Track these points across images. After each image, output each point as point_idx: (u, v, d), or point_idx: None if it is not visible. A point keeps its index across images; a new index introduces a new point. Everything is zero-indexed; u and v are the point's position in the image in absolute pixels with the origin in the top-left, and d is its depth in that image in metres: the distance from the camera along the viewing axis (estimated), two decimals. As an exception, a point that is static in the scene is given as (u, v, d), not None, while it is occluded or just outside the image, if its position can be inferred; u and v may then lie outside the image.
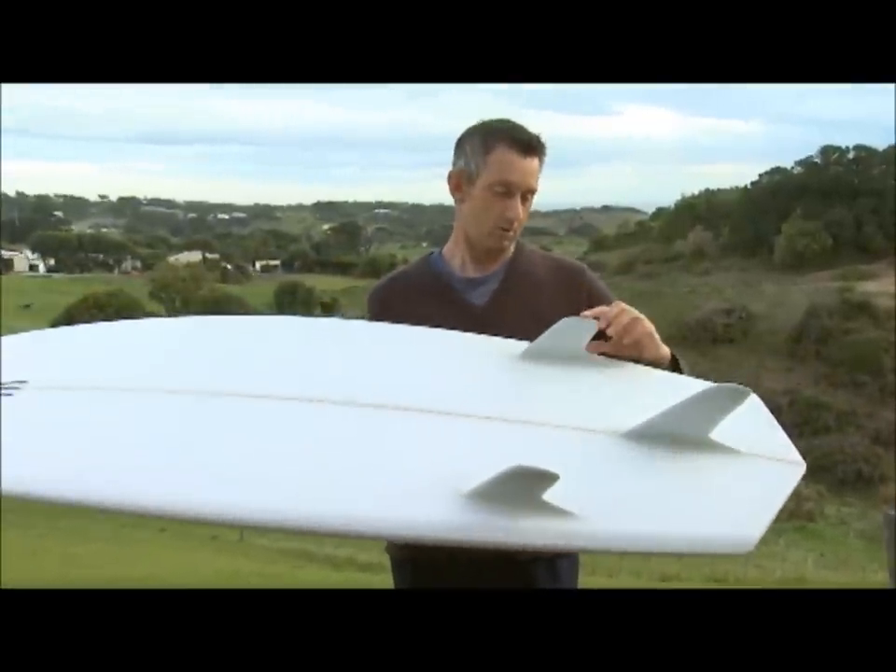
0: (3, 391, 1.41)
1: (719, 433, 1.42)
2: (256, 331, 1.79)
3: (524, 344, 1.67)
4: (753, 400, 1.62)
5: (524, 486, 1.19)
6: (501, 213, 1.74)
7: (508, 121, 1.77)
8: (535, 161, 1.74)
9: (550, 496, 1.21)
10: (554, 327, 1.63)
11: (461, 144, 1.78)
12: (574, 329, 1.63)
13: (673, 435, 1.39)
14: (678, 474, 1.36)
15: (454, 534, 1.20)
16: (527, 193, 1.75)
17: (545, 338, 1.64)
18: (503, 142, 1.72)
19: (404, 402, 1.44)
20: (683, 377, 1.69)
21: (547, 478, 1.17)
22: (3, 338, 1.71)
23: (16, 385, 1.45)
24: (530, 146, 1.73)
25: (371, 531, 1.20)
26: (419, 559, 1.77)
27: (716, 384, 1.43)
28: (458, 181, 1.79)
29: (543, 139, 1.76)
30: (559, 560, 1.77)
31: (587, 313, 1.65)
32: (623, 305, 1.65)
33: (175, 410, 1.39)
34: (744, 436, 1.44)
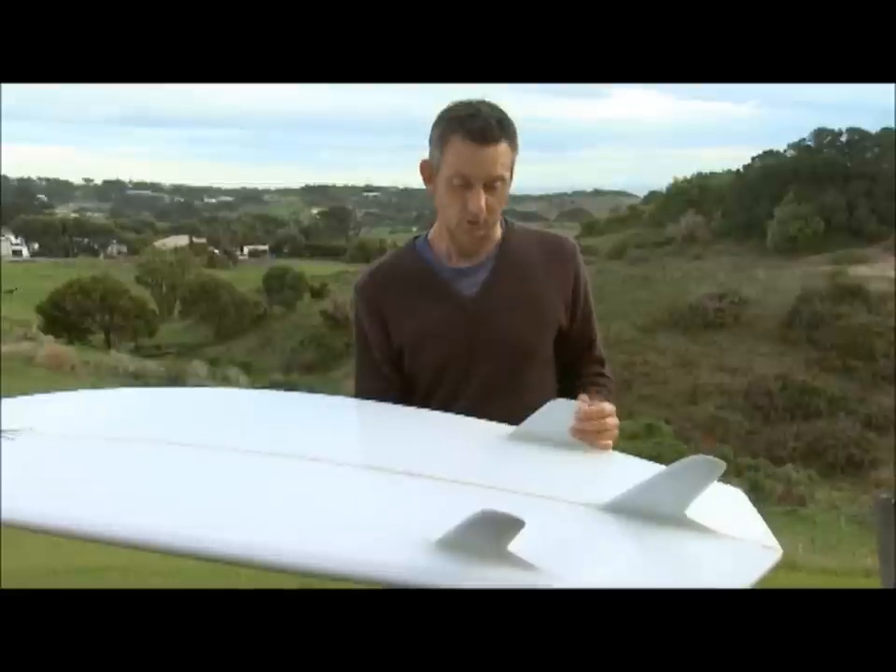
0: (6, 437, 1.49)
1: (700, 516, 1.43)
2: (268, 403, 1.94)
3: (510, 428, 1.70)
4: (738, 495, 1.70)
5: (490, 533, 1.21)
6: (463, 206, 1.68)
7: (468, 106, 1.69)
8: (496, 148, 1.66)
9: (519, 551, 1.22)
10: (541, 410, 1.67)
11: (430, 133, 1.73)
12: (559, 412, 1.67)
13: (649, 509, 1.41)
14: (649, 546, 1.37)
15: (419, 578, 1.21)
16: (494, 181, 1.68)
17: (531, 421, 1.68)
18: (457, 133, 1.66)
19: (392, 465, 1.50)
20: (660, 466, 1.73)
21: (513, 524, 1.19)
22: (18, 398, 1.82)
23: (16, 431, 1.53)
24: (485, 134, 1.65)
25: (339, 571, 1.23)
26: None
27: (691, 457, 1.43)
28: (428, 173, 1.76)
29: (506, 120, 1.69)
30: None
31: (584, 407, 1.67)
32: (612, 411, 1.69)
33: (181, 459, 1.49)
34: (724, 520, 1.46)
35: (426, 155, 1.77)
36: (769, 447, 24.32)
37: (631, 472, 1.63)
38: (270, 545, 1.23)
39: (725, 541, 1.44)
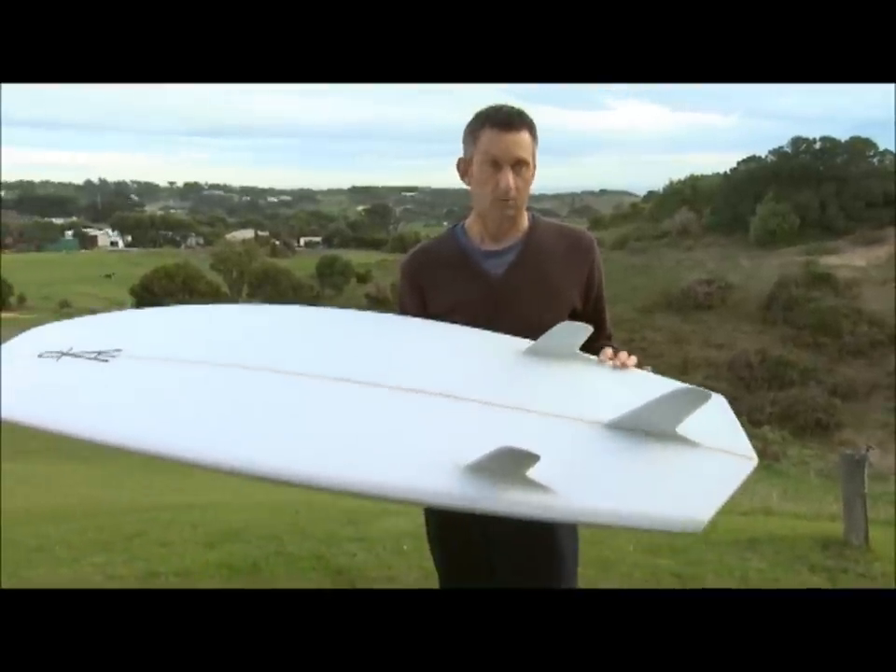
0: (101, 357, 1.45)
1: (688, 429, 1.41)
2: (307, 318, 1.83)
3: (527, 342, 1.67)
4: (721, 403, 1.66)
5: (511, 463, 1.22)
6: (495, 185, 1.71)
7: (493, 105, 1.73)
8: (518, 135, 1.69)
9: (535, 473, 1.22)
10: (555, 328, 1.64)
11: (463, 135, 1.77)
12: (571, 332, 1.65)
13: (645, 427, 1.40)
14: (646, 461, 1.37)
15: (451, 501, 1.22)
16: (518, 165, 1.71)
17: (546, 337, 1.65)
18: (486, 123, 1.70)
19: (420, 386, 1.47)
20: (658, 377, 1.70)
21: (530, 458, 1.20)
22: (108, 313, 1.79)
23: (112, 353, 1.48)
24: (508, 121, 1.69)
25: (381, 493, 1.23)
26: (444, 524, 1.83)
27: (685, 385, 1.42)
28: (464, 167, 1.78)
29: (526, 114, 1.72)
30: None
31: (606, 357, 1.69)
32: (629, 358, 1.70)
33: (230, 381, 1.41)
34: (708, 432, 1.45)
35: (454, 159, 1.80)
36: (749, 412, 24.03)
37: (632, 386, 1.60)
38: (308, 466, 1.21)
39: (710, 453, 1.42)
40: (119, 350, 1.48)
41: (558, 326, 1.65)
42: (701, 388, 1.40)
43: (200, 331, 1.65)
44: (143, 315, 1.86)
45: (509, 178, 1.70)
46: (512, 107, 1.73)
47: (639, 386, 1.58)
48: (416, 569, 3.48)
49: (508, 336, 1.70)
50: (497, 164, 1.70)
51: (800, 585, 3.52)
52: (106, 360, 1.45)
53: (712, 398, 1.51)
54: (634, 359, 1.72)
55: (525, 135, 1.71)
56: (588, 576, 3.20)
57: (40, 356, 1.49)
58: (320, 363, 1.50)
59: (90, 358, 1.45)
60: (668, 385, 1.61)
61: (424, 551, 1.98)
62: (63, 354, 1.48)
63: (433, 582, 1.92)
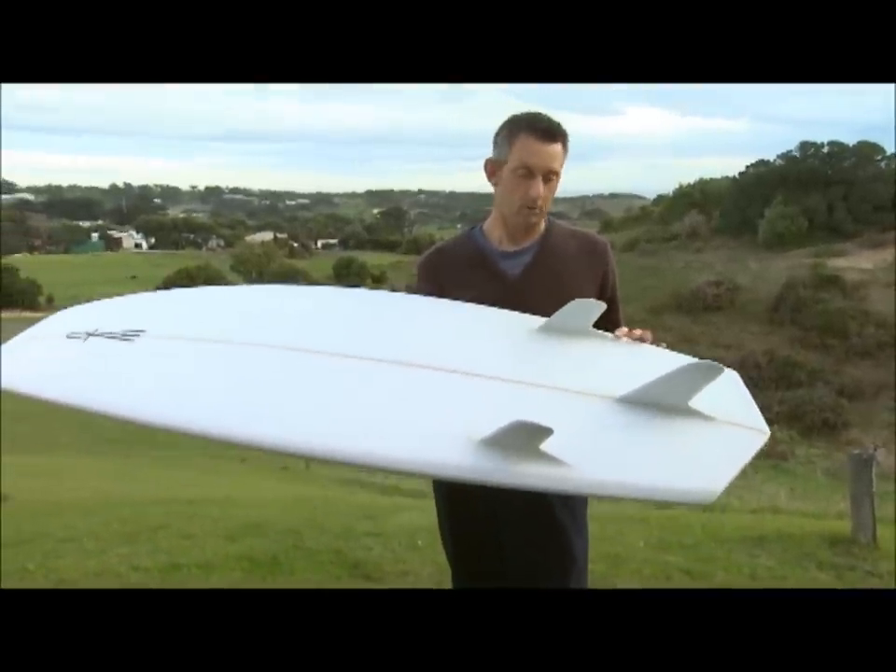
0: (125, 338, 1.48)
1: (701, 403, 1.39)
2: (325, 298, 1.83)
3: (542, 320, 1.65)
4: (734, 377, 1.63)
5: (524, 438, 1.20)
6: (525, 192, 1.71)
7: (532, 113, 1.73)
8: (555, 146, 1.69)
9: (547, 446, 1.21)
10: (568, 306, 1.63)
11: (495, 136, 1.75)
12: (584, 309, 1.63)
13: (658, 401, 1.38)
14: (659, 435, 1.35)
15: (465, 474, 1.21)
16: (549, 174, 1.70)
17: (560, 314, 1.63)
18: (524, 131, 1.69)
19: (434, 363, 1.46)
20: (669, 352, 1.68)
21: (543, 432, 1.19)
22: (133, 295, 1.82)
23: (136, 333, 1.50)
24: (548, 132, 1.69)
25: (396, 467, 1.23)
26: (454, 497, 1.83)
27: (696, 360, 1.41)
28: (492, 168, 1.77)
29: (562, 126, 1.71)
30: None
31: (621, 334, 1.69)
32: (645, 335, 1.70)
33: (246, 359, 1.42)
34: (721, 406, 1.43)
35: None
36: (757, 411, 23.85)
37: (645, 361, 1.58)
38: (315, 439, 1.21)
39: (722, 427, 1.41)
40: (142, 331, 1.51)
41: (571, 303, 1.64)
42: (714, 363, 1.39)
43: (219, 311, 1.68)
44: (166, 296, 1.89)
45: (539, 189, 1.70)
46: (550, 118, 1.72)
47: (652, 361, 1.56)
48: (430, 564, 3.49)
49: (521, 313, 1.70)
50: (530, 173, 1.69)
51: (808, 582, 3.49)
52: (131, 340, 1.48)
53: (724, 372, 1.49)
54: (649, 335, 1.71)
55: (559, 147, 1.71)
56: (599, 571, 3.19)
57: (68, 336, 1.53)
58: (334, 341, 1.50)
59: (114, 339, 1.49)
60: (681, 359, 1.59)
61: (438, 546, 1.99)
62: (90, 334, 1.51)
63: (446, 577, 1.92)
